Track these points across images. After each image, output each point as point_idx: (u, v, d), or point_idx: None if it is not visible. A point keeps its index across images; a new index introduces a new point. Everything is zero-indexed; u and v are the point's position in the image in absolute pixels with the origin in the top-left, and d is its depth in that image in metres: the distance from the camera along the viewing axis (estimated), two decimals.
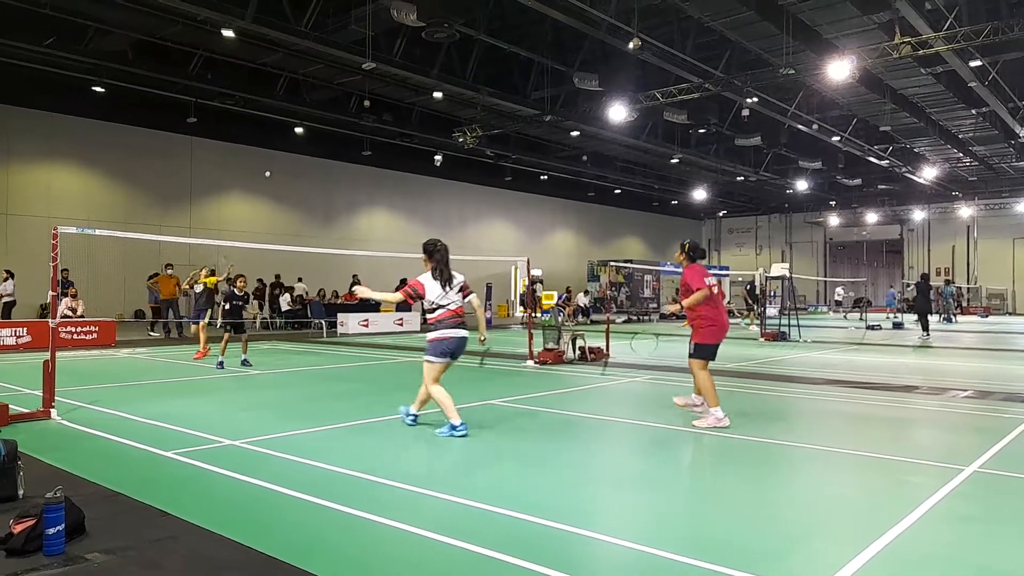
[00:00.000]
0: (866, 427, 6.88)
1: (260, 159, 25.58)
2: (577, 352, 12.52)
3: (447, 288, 6.12)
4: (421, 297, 6.12)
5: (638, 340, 13.79)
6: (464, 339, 6.12)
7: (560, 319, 14.31)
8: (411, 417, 6.45)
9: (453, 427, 5.95)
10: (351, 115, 22.80)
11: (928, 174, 31.40)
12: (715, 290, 6.60)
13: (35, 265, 17.35)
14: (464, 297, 6.21)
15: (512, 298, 31.35)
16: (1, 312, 16.32)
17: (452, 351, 6.12)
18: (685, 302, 6.64)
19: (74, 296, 16.49)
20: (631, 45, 15.24)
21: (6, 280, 16.70)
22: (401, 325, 21.47)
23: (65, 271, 16.29)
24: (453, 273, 6.20)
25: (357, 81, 20.29)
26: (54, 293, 7.20)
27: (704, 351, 6.65)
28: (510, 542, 3.51)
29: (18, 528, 3.40)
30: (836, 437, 6.36)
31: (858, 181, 34.15)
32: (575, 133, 25.18)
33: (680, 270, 6.94)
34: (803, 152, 28.34)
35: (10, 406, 6.60)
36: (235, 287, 11.52)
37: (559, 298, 25.55)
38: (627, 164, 32.78)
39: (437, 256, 6.14)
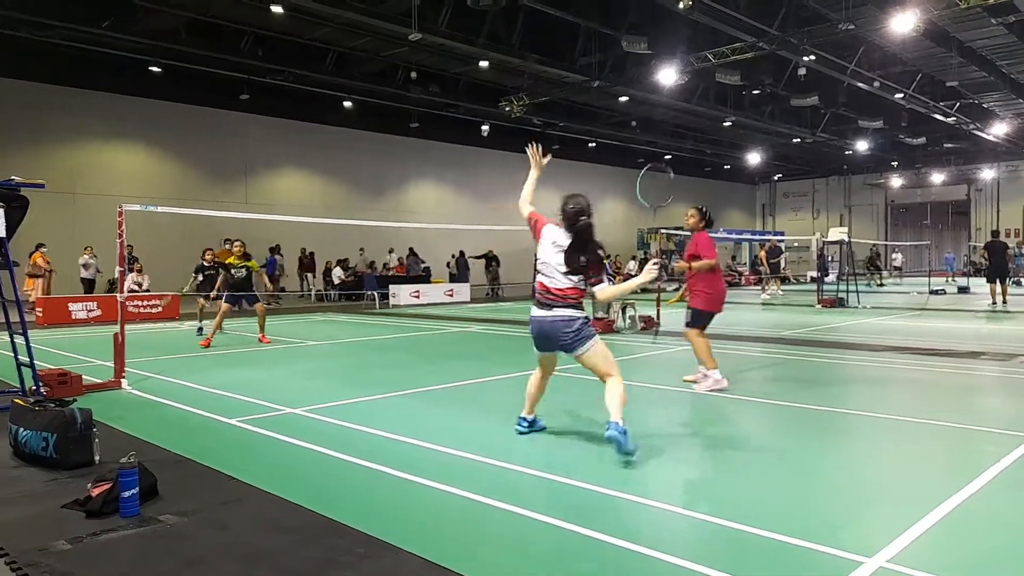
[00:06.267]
0: (928, 394, 6.69)
1: (312, 134, 25.93)
2: (627, 321, 12.45)
3: None
4: None
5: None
6: None
7: None
8: None
9: None
10: (398, 87, 22.85)
11: (998, 130, 29.86)
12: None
13: (102, 242, 18.06)
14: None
15: None
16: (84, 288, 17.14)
17: None
18: (695, 265, 6.64)
19: (139, 271, 17.14)
20: (681, 4, 14.80)
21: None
22: (452, 296, 21.66)
23: (130, 247, 16.90)
24: None
25: (403, 53, 20.28)
26: (121, 269, 7.48)
27: (700, 319, 6.72)
28: (564, 507, 3.56)
29: (96, 491, 3.59)
30: (897, 405, 6.20)
31: (922, 140, 32.68)
32: (624, 99, 24.70)
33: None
34: (863, 111, 27.24)
35: (84, 376, 6.94)
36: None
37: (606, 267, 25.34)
38: (677, 129, 32.07)
39: None
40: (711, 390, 6.60)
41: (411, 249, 25.02)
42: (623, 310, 12.60)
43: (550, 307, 4.61)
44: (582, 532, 3.24)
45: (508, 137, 30.25)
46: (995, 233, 18.61)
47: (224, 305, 10.64)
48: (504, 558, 3.03)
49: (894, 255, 35.89)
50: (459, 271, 24.51)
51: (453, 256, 25.19)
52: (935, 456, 4.58)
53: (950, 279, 29.34)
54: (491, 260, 25.06)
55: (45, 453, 4.33)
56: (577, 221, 4.57)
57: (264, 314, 11.24)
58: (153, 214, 9.46)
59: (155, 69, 20.22)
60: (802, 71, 20.60)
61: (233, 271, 10.68)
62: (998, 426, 5.22)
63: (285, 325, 14.05)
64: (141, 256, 18.17)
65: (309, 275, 23.59)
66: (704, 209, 6.91)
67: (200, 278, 12.43)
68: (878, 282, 28.85)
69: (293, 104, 24.46)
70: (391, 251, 25.32)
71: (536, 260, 4.77)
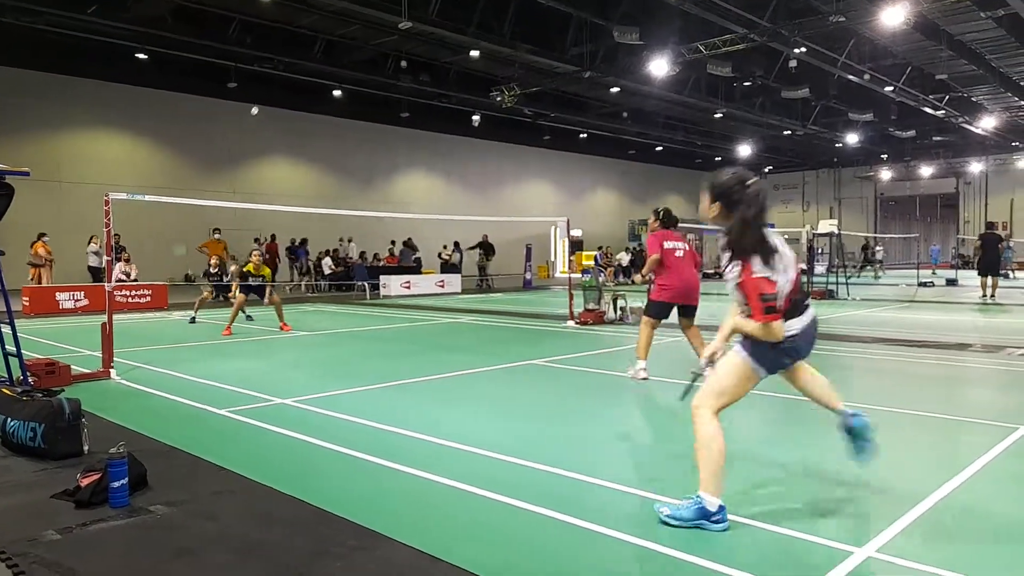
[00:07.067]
0: (917, 386, 6.74)
1: (301, 123, 25.76)
2: (618, 312, 12.47)
3: None
4: None
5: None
6: None
7: (601, 279, 14.25)
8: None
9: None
10: (388, 76, 22.72)
11: (986, 124, 30.07)
12: (679, 254, 6.84)
13: (89, 231, 17.89)
14: None
15: (552, 259, 31.28)
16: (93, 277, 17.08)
17: None
18: (644, 271, 7.10)
19: (127, 261, 17.00)
20: None
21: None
22: (443, 287, 21.62)
23: (117, 236, 16.76)
24: None
25: (393, 41, 20.15)
26: (109, 258, 7.43)
27: (652, 309, 7.03)
28: (551, 496, 3.56)
29: (85, 482, 3.56)
30: (886, 396, 6.24)
31: (911, 133, 32.88)
32: (615, 89, 24.68)
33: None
34: (853, 104, 27.34)
35: (72, 366, 6.88)
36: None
37: (596, 259, 25.37)
38: (669, 120, 32.09)
39: None
40: (633, 377, 6.87)
41: (406, 241, 24.86)
42: (614, 301, 12.62)
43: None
44: (569, 520, 3.25)
45: (499, 128, 30.18)
46: (991, 225, 18.27)
47: (240, 296, 11.41)
48: (493, 547, 3.03)
49: (877, 248, 36.09)
50: (459, 260, 24.38)
51: (445, 247, 25.12)
52: (924, 447, 4.62)
53: (934, 271, 29.59)
54: (482, 246, 24.94)
55: (33, 443, 4.29)
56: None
57: (280, 304, 11.90)
58: (140, 203, 9.38)
59: (142, 56, 20.00)
60: (793, 63, 20.64)
61: (251, 280, 11.60)
62: (986, 417, 5.27)
63: (275, 316, 13.95)
64: (129, 245, 18.02)
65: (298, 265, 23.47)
66: (659, 212, 7.23)
67: (211, 286, 13.42)
68: (875, 275, 28.97)
69: (282, 92, 24.28)
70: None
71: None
